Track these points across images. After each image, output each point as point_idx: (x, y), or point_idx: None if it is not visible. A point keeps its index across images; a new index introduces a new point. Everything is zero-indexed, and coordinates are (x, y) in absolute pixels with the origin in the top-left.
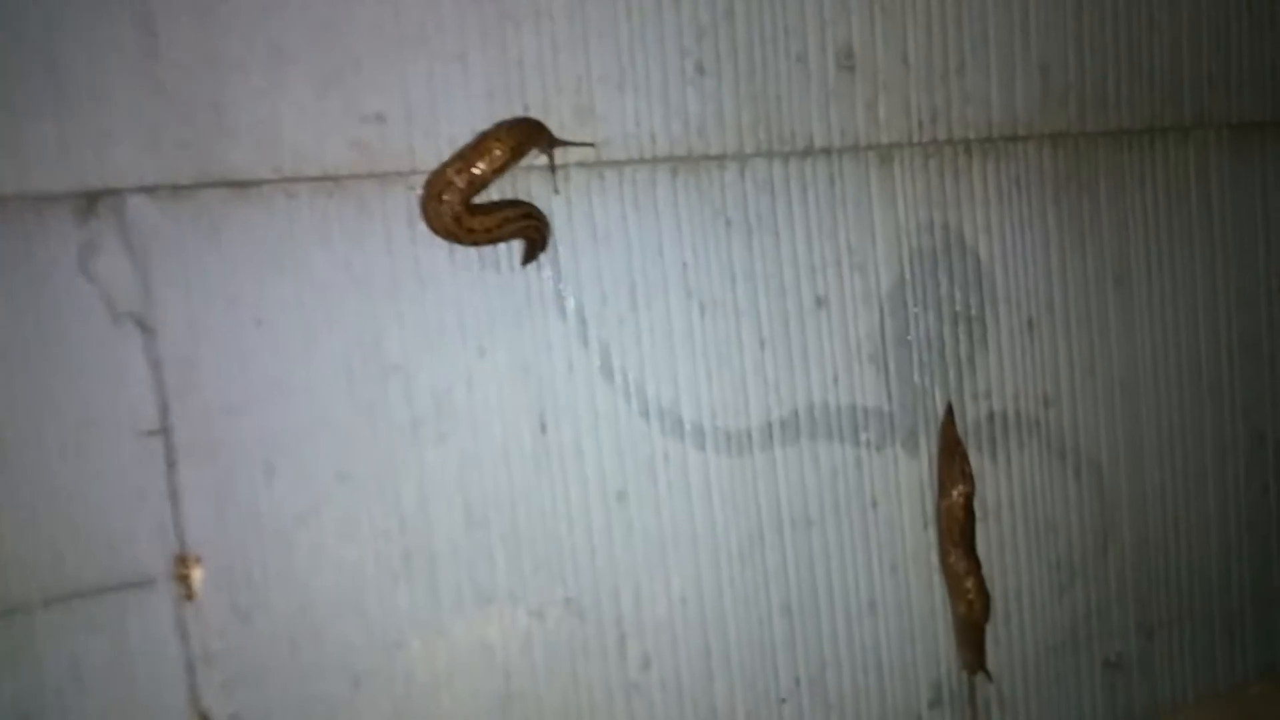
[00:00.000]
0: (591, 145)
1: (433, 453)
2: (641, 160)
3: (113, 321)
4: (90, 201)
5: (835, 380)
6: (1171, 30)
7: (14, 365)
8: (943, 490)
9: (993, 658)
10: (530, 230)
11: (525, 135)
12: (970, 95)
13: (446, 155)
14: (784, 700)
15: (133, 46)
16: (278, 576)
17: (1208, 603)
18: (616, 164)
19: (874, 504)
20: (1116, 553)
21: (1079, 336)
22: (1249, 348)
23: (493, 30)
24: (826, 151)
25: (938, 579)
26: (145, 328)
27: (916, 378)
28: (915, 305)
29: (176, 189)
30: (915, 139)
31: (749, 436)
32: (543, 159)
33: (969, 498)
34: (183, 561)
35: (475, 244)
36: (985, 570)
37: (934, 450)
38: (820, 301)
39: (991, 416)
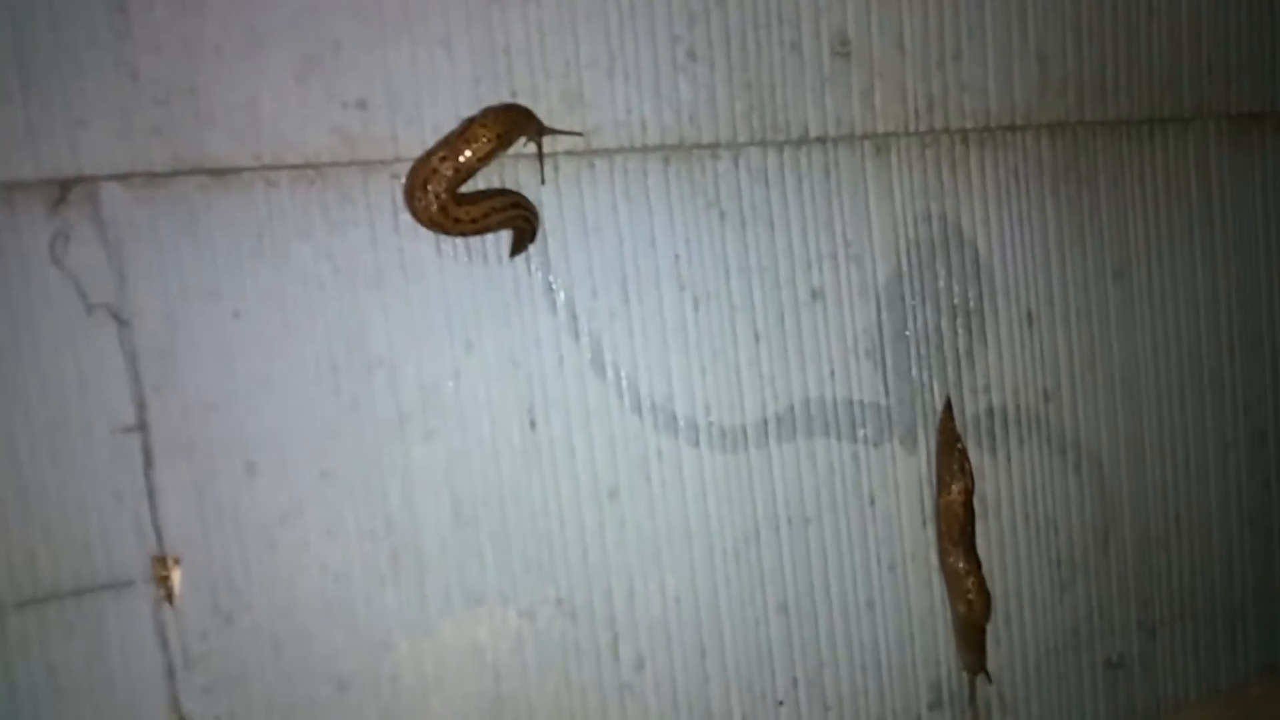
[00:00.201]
0: (580, 135)
1: (419, 449)
2: (632, 149)
3: (86, 313)
4: (62, 190)
5: (832, 375)
6: (1170, 19)
7: None
8: (942, 487)
9: (993, 658)
10: (519, 220)
11: (512, 122)
12: (967, 84)
13: (431, 143)
14: (781, 702)
15: (104, 28)
16: (260, 577)
17: (1210, 601)
18: (607, 153)
19: (872, 501)
20: (1118, 550)
21: (1079, 330)
22: (1250, 342)
23: (478, 14)
24: (821, 140)
25: (937, 578)
26: (120, 320)
27: (914, 372)
28: (913, 298)
29: (151, 176)
30: (912, 128)
31: (744, 432)
32: (531, 147)
33: (968, 495)
34: (161, 562)
35: (462, 234)
36: (985, 569)
37: (933, 446)
38: (816, 294)
39: (991, 411)
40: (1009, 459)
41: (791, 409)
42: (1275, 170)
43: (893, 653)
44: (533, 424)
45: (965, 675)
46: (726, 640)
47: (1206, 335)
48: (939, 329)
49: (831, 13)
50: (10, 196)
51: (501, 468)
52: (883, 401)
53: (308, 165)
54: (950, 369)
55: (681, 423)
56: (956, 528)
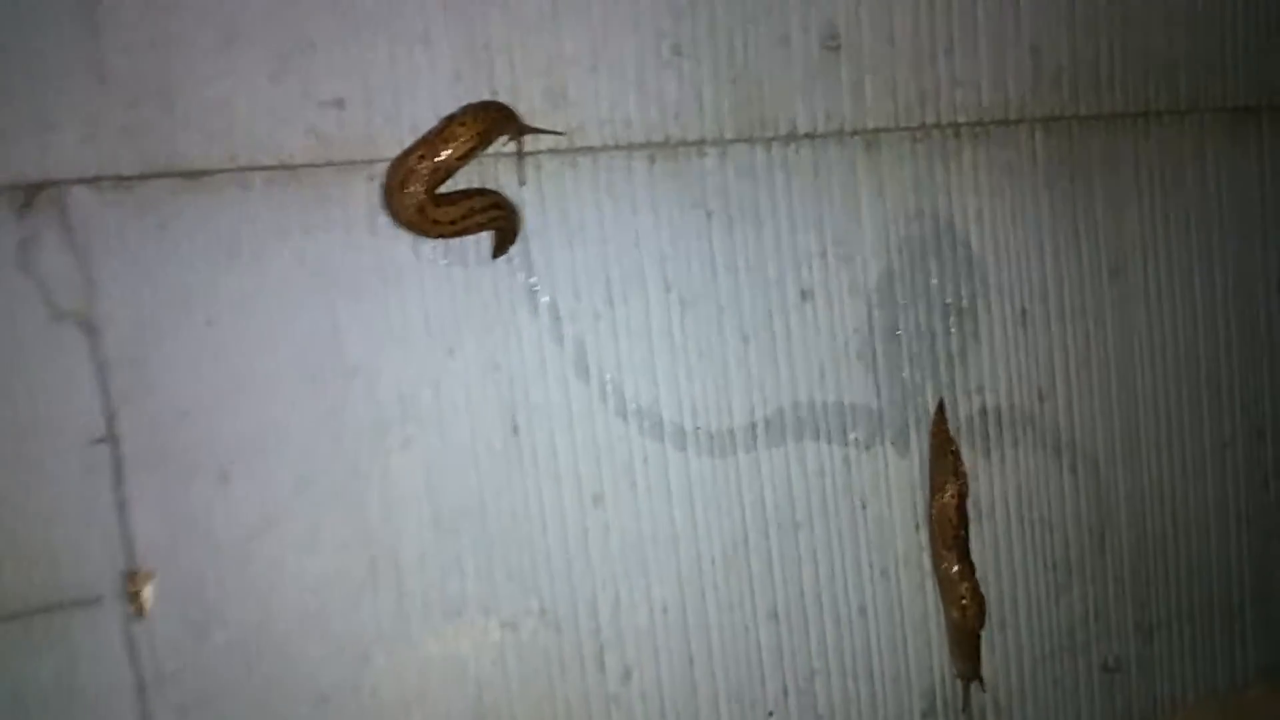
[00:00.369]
0: (562, 134)
1: (398, 457)
2: (616, 147)
3: (54, 321)
4: (29, 194)
5: (822, 376)
6: (1165, 11)
7: None
8: (935, 490)
9: (988, 664)
10: (499, 221)
11: (493, 120)
12: (959, 78)
13: (409, 142)
14: (771, 712)
15: (72, 26)
16: (234, 591)
17: (1207, 602)
18: (590, 151)
19: (863, 505)
20: (1114, 552)
21: (1074, 328)
22: (1248, 339)
23: (457, 10)
24: (810, 137)
25: (930, 583)
26: (89, 328)
27: (906, 373)
28: (904, 297)
29: (121, 180)
30: (903, 123)
31: (732, 436)
32: (512, 146)
33: (962, 497)
34: (132, 577)
35: (441, 236)
36: (980, 573)
37: (925, 448)
38: (805, 295)
39: (984, 412)
40: (1003, 460)
41: (781, 411)
42: (1273, 164)
43: (885, 660)
44: (515, 429)
45: (959, 682)
46: (715, 649)
47: (1204, 333)
48: (931, 328)
49: (820, 6)
50: None
51: (483, 475)
52: (874, 403)
53: (282, 167)
54: (943, 369)
55: (668, 426)
56: (950, 531)
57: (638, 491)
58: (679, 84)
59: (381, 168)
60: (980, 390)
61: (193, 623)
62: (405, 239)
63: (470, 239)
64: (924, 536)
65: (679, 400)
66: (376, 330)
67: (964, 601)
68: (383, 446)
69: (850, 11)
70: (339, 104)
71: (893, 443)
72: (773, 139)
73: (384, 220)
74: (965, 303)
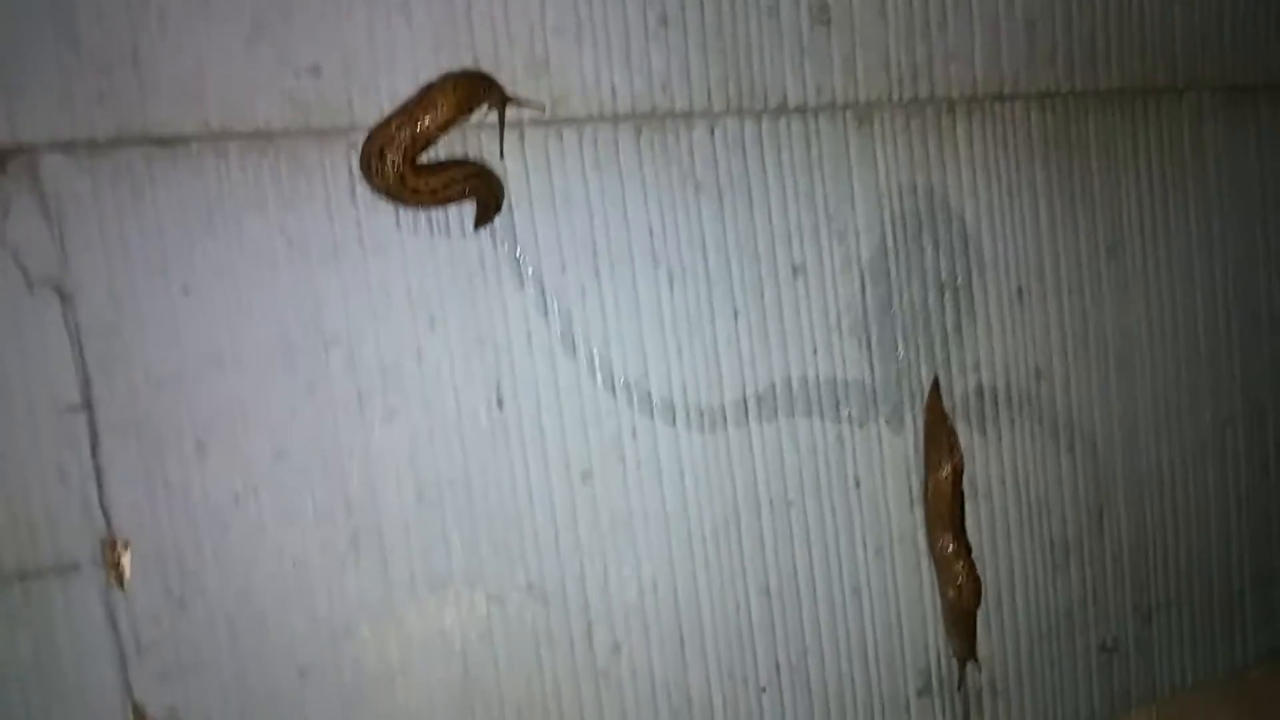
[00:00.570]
0: (543, 110)
1: (380, 429)
2: (602, 118)
3: (28, 289)
4: (0, 160)
5: (814, 352)
6: None
7: None
8: (930, 468)
9: (984, 644)
10: (481, 190)
11: (473, 88)
12: (953, 51)
13: (388, 110)
14: (764, 689)
15: None
16: (214, 561)
17: (1207, 584)
18: (575, 122)
19: (857, 483)
20: (1112, 532)
21: (1071, 306)
22: (1248, 318)
23: None
24: (801, 110)
25: (925, 562)
26: (64, 295)
27: (900, 350)
28: (898, 273)
29: (94, 146)
30: (895, 97)
31: (722, 412)
32: (494, 116)
33: (958, 476)
34: (110, 546)
35: (421, 205)
36: (975, 552)
37: (920, 426)
38: (797, 269)
39: (980, 390)
40: (999, 439)
41: (772, 388)
42: (1271, 143)
43: (880, 639)
44: (500, 403)
45: (955, 662)
46: (706, 626)
47: (1203, 311)
48: (926, 305)
49: None
50: None
51: (467, 448)
52: (868, 380)
53: (259, 134)
54: (938, 346)
55: (657, 402)
56: (945, 510)
57: (626, 466)
58: (666, 55)
59: (360, 136)
60: (976, 368)
61: (172, 593)
62: (386, 209)
63: (453, 209)
64: (919, 515)
65: (668, 375)
66: (357, 301)
67: (959, 581)
68: (364, 418)
69: None
70: (315, 71)
71: (887, 420)
72: (763, 112)
73: (364, 189)
74: (960, 279)
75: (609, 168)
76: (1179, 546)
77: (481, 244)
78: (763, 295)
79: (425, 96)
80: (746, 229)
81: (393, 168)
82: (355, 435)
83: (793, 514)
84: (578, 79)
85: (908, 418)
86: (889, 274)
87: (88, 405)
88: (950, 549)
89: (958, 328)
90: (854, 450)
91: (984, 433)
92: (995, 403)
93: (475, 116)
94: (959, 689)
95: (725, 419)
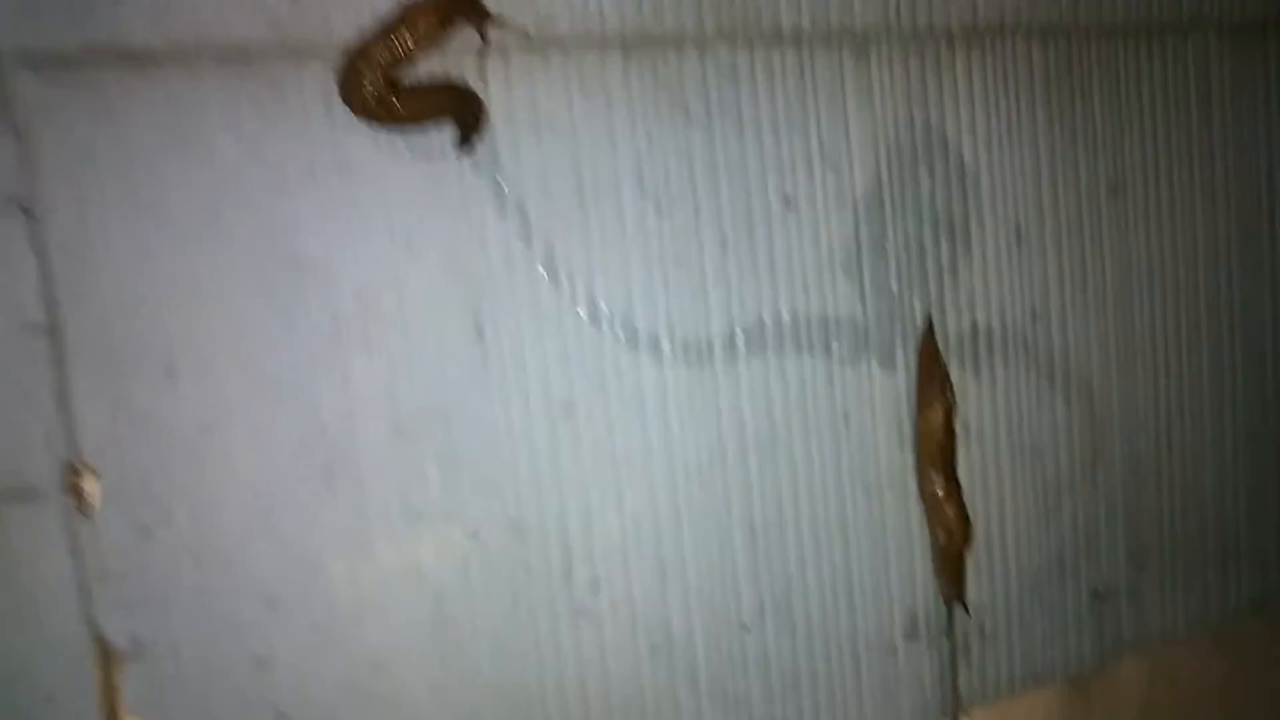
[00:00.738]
0: (527, 31)
1: (356, 357)
2: (589, 41)
3: None
4: None
5: (805, 287)
6: None
7: None
8: (922, 408)
9: (973, 588)
10: (461, 113)
11: (455, 7)
12: None
13: (368, 29)
14: (747, 629)
15: None
16: (182, 489)
17: (1202, 532)
18: (561, 44)
19: (846, 421)
20: (1107, 478)
21: (1070, 247)
22: (1250, 262)
23: None
24: (796, 38)
25: (915, 503)
26: (30, 214)
27: (894, 287)
28: (893, 209)
29: (62, 60)
30: (893, 27)
31: (709, 346)
32: (476, 37)
33: (949, 417)
34: (75, 472)
35: (400, 127)
36: (966, 494)
37: (912, 365)
38: (789, 202)
39: (975, 330)
40: (993, 380)
41: (761, 322)
42: (1279, 83)
43: (866, 580)
44: (479, 333)
45: (943, 605)
46: (689, 563)
47: (1204, 255)
48: (921, 242)
49: None
50: None
51: (446, 380)
52: (859, 317)
53: (233, 52)
54: (932, 284)
55: (642, 335)
56: (936, 451)
57: (610, 400)
58: None
59: (338, 55)
60: (971, 307)
61: (138, 521)
62: (365, 132)
63: (434, 133)
64: (909, 455)
65: (654, 307)
66: (333, 226)
67: (949, 522)
68: (339, 347)
69: None
70: None
71: (878, 359)
72: (756, 38)
73: (341, 110)
74: (957, 217)
75: (595, 93)
76: (1174, 493)
77: (462, 169)
78: (752, 227)
79: (406, 15)
80: (737, 159)
81: (371, 88)
82: (330, 364)
83: (780, 452)
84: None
85: (900, 356)
86: (884, 209)
87: (54, 328)
88: (940, 490)
89: (953, 266)
90: (844, 388)
91: (978, 373)
92: (990, 343)
93: (457, 37)
94: (947, 633)
95: (712, 353)
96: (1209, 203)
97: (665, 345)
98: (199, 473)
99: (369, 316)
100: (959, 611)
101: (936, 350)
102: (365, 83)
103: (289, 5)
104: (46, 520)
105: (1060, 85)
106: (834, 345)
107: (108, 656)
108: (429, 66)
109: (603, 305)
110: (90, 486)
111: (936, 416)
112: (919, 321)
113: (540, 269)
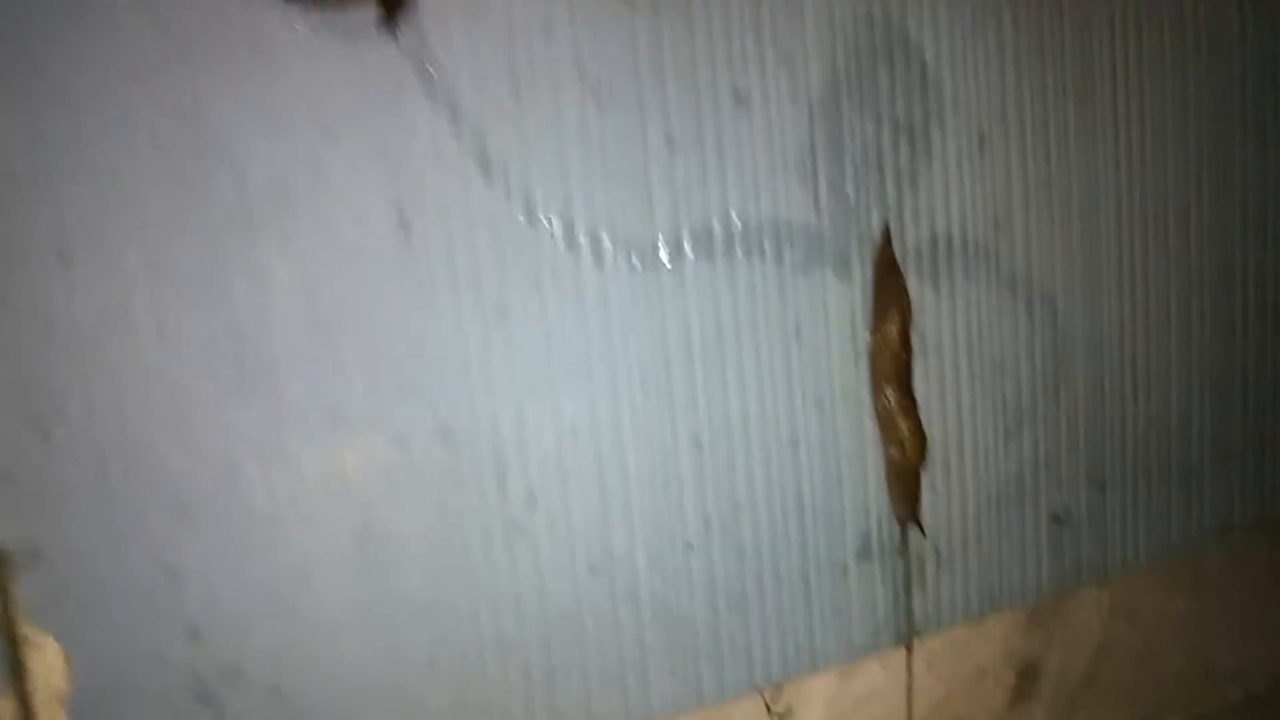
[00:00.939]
0: None
1: (268, 248)
2: None
3: None
4: None
5: (756, 190)
6: None
7: None
8: (877, 318)
9: (929, 509)
10: None
11: None
12: None
13: None
14: (691, 546)
15: None
16: (80, 385)
17: (1164, 456)
18: None
19: (797, 332)
20: (1069, 397)
21: (1035, 154)
22: (1220, 174)
23: None
24: None
25: (869, 420)
26: None
27: (850, 192)
28: (850, 110)
29: None
30: None
31: (654, 249)
32: None
33: (906, 329)
34: None
35: (317, 4)
36: (922, 412)
37: (868, 275)
38: (740, 98)
39: (934, 240)
40: (953, 292)
41: (709, 225)
42: None
43: (818, 497)
44: (404, 226)
45: (897, 525)
46: (631, 476)
47: (1174, 166)
48: (879, 146)
49: None
50: None
51: (368, 276)
52: (813, 222)
53: None
54: (891, 190)
55: (582, 236)
56: (891, 363)
57: (547, 304)
58: None
59: None
60: (931, 215)
61: (32, 418)
62: (278, 6)
63: (355, 10)
64: (864, 369)
65: (594, 207)
66: (245, 109)
67: (904, 438)
68: (251, 235)
69: None
70: None
71: (833, 267)
72: None
73: None
74: (917, 120)
75: None
76: (1137, 415)
77: (387, 52)
78: (701, 124)
79: None
80: (685, 52)
81: None
82: (240, 252)
83: (727, 361)
84: None
85: (855, 265)
86: (840, 109)
87: None
88: (894, 404)
89: (912, 172)
90: (796, 297)
91: (936, 285)
92: (950, 253)
93: None
94: (901, 553)
95: (657, 257)
96: (1180, 111)
97: (607, 247)
98: (99, 366)
99: (283, 205)
100: (913, 532)
101: (894, 260)
102: None
103: None
104: None
105: None
106: (786, 253)
107: (1, 560)
108: None
109: (539, 202)
110: None
111: (893, 329)
112: (876, 229)
113: (471, 162)
